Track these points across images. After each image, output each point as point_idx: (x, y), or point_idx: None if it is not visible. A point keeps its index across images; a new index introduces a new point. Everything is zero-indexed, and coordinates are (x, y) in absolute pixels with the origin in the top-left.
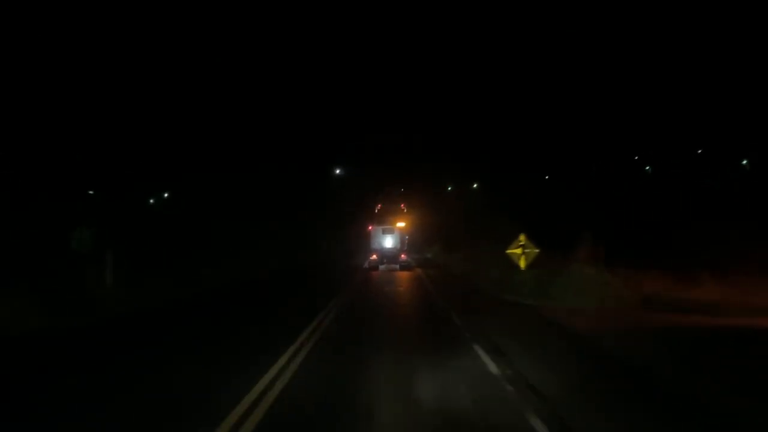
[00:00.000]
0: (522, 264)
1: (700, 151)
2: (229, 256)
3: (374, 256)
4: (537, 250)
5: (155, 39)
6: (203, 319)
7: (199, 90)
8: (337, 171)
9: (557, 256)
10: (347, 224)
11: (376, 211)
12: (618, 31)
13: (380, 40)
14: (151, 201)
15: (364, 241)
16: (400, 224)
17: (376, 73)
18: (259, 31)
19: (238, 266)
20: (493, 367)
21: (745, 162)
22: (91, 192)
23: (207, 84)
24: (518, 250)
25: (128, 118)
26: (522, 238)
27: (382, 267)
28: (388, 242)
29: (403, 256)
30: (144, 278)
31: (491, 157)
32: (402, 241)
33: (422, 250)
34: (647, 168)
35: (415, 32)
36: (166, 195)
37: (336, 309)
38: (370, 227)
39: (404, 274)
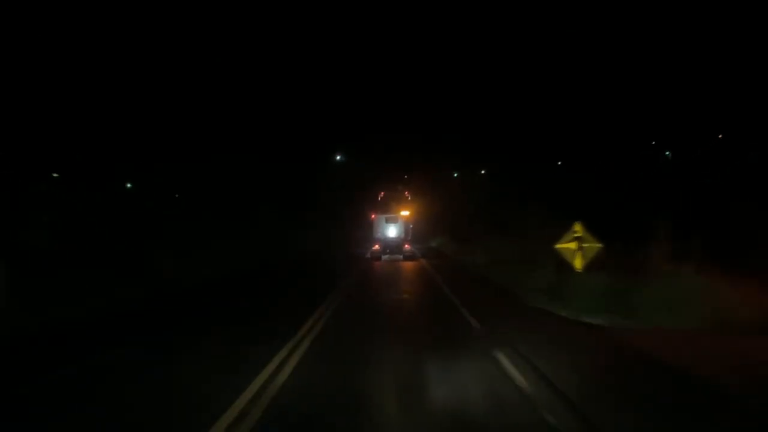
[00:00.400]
0: (577, 264)
1: (720, 136)
2: (216, 247)
3: (377, 246)
4: (599, 245)
5: (153, 25)
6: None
7: (198, 81)
8: (338, 158)
9: (614, 253)
10: (348, 212)
11: (379, 199)
12: (631, 11)
13: (384, 20)
14: (128, 185)
15: (366, 230)
16: (404, 213)
17: (379, 56)
18: (254, 20)
19: (225, 259)
20: None
21: None
22: (55, 174)
23: (207, 76)
24: (572, 245)
25: (116, 98)
26: (578, 228)
27: (385, 257)
28: (392, 231)
29: (407, 246)
30: (95, 278)
31: (500, 142)
32: (406, 231)
33: (426, 239)
34: (667, 153)
35: (419, 11)
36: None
37: (329, 313)
38: (372, 216)
39: (411, 271)
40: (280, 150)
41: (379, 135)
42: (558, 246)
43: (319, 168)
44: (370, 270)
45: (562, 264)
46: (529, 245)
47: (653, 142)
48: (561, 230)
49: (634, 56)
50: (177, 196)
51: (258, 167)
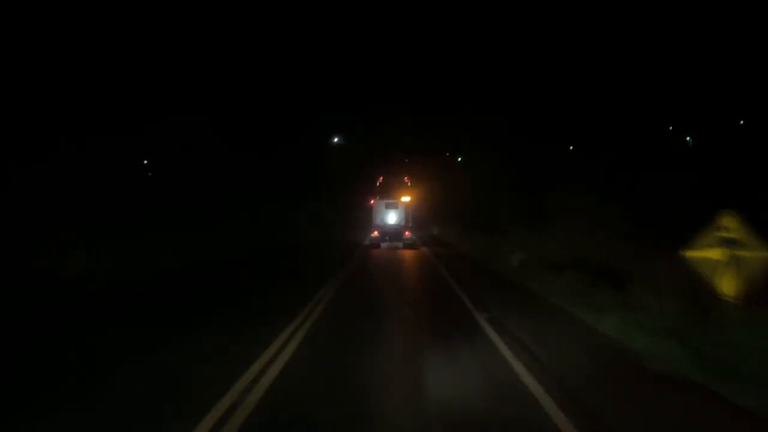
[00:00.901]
0: (727, 286)
1: (742, 122)
2: (188, 235)
3: (376, 233)
4: (766, 254)
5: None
6: None
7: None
8: (336, 140)
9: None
10: (347, 198)
11: (378, 184)
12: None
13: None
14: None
15: (364, 216)
16: (405, 199)
17: (378, 31)
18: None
19: (196, 247)
20: None
21: None
22: None
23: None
24: (715, 253)
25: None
26: (730, 223)
27: (384, 245)
28: (392, 218)
29: (407, 233)
30: None
31: (506, 124)
32: (406, 217)
33: (427, 226)
34: (687, 139)
35: None
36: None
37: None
38: (371, 201)
39: (418, 271)
40: (274, 133)
41: (378, 117)
42: (692, 253)
43: (317, 151)
44: (368, 259)
45: (698, 284)
46: (580, 241)
47: (670, 128)
48: (615, 223)
49: (648, 39)
50: (150, 174)
51: (249, 149)
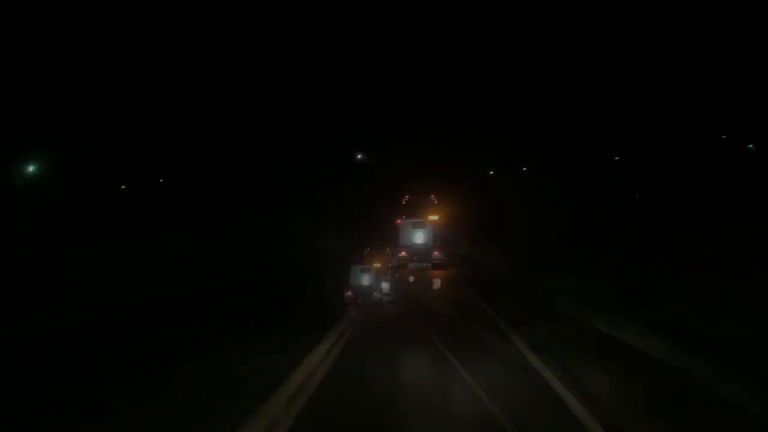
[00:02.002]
0: None
1: None
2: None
3: (404, 253)
4: None
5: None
6: None
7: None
8: (359, 156)
9: None
10: (367, 218)
11: (404, 203)
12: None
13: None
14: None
15: (390, 237)
16: (433, 217)
17: (399, 47)
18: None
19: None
20: None
21: None
22: None
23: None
24: None
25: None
26: None
27: (411, 265)
28: (419, 237)
29: (435, 252)
30: None
31: (542, 135)
32: (434, 237)
33: (455, 246)
34: (750, 146)
35: None
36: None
37: None
38: (398, 221)
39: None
40: (295, 150)
41: (403, 133)
42: None
43: (334, 169)
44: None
45: None
46: None
47: (723, 137)
48: None
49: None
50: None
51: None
